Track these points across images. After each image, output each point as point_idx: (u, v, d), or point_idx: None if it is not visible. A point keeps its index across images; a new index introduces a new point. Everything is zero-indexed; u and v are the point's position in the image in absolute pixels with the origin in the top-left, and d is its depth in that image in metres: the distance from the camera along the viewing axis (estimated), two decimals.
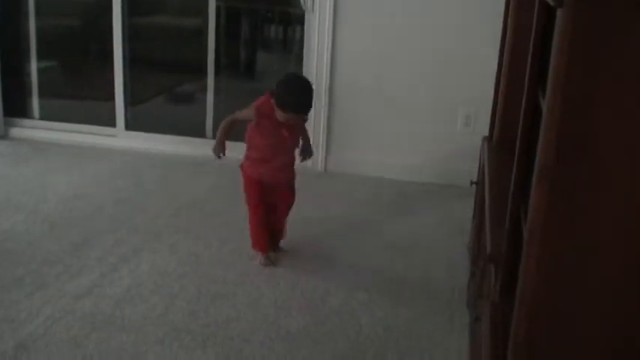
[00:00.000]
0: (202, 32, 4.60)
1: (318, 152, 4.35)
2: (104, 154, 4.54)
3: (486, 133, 3.15)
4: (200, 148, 4.16)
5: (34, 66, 5.08)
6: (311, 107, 2.97)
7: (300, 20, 4.39)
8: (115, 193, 3.85)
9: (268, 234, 3.11)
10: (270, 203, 3.09)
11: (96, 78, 5.18)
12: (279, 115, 2.89)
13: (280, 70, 5.06)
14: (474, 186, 3.16)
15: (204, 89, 4.67)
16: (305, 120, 3.11)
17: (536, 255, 1.26)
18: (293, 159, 3.14)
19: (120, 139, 4.71)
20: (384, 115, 4.23)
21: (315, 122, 4.31)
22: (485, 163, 2.54)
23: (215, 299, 2.77)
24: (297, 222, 3.35)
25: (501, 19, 2.90)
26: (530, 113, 1.66)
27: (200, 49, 4.65)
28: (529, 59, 1.69)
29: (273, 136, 2.97)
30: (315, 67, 4.24)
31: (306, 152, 3.19)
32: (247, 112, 2.98)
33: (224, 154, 3.08)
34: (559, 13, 1.19)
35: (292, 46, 4.82)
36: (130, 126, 4.73)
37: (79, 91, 5.29)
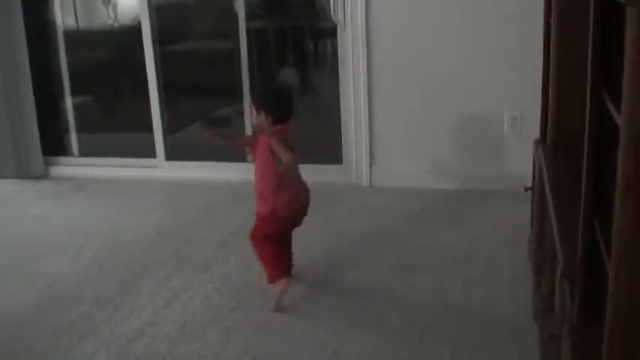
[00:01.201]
0: (234, 55, 4.54)
1: (362, 167, 4.25)
2: (145, 186, 4.49)
3: (535, 135, 3.02)
4: (241, 172, 4.07)
5: (69, 102, 5.09)
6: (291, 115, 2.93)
7: (333, 34, 4.30)
8: (159, 225, 3.79)
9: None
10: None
11: (131, 109, 5.17)
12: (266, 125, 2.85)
13: (315, 85, 5.01)
14: (528, 191, 3.04)
15: (241, 113, 4.60)
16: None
17: (627, 273, 1.16)
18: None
19: (160, 169, 4.67)
20: (428, 123, 4.11)
21: (357, 136, 4.22)
22: (543, 168, 2.41)
23: (272, 333, 2.68)
24: (342, 239, 3.26)
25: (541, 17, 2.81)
26: (596, 116, 1.54)
27: (233, 72, 4.59)
28: (590, 58, 1.57)
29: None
30: (352, 80, 4.15)
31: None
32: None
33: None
34: (630, 11, 1.08)
35: (326, 61, 4.73)
36: (169, 156, 4.68)
37: (116, 124, 5.27)
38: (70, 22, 5.14)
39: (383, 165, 4.25)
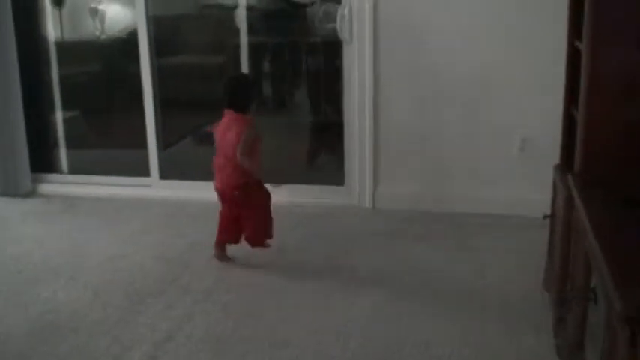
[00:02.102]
0: (233, 70, 4.39)
1: (365, 189, 4.12)
2: (139, 206, 4.32)
3: (547, 158, 2.94)
4: None
5: (59, 117, 4.90)
6: None
7: (337, 50, 4.18)
8: (156, 249, 3.62)
9: None
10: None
11: (125, 125, 4.98)
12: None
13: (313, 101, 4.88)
14: (546, 219, 2.92)
15: None
16: None
17: None
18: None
19: (155, 188, 4.50)
20: (434, 144, 4.00)
21: (360, 156, 4.08)
22: (575, 199, 2.28)
23: None
24: (342, 265, 3.13)
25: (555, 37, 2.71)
26: None
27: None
28: None
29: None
30: (357, 96, 4.02)
31: None
32: (250, 133, 3.20)
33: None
34: None
35: (330, 78, 4.59)
36: (164, 174, 4.51)
37: (108, 140, 5.09)
38: (56, 34, 4.97)
39: (387, 187, 4.12)
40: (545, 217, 2.92)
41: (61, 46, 4.89)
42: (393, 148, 4.05)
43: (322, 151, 4.78)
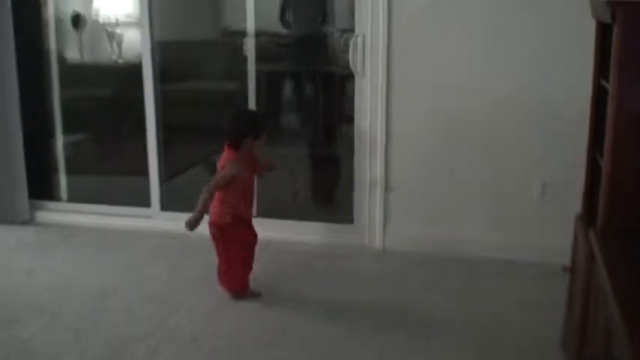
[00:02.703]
0: (240, 97, 4.19)
1: (375, 228, 3.88)
2: (137, 238, 4.12)
3: (568, 205, 2.75)
4: None
5: (59, 141, 4.72)
6: None
7: (347, 81, 3.98)
8: (147, 287, 3.41)
9: None
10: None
11: (127, 152, 4.79)
12: (256, 144, 3.18)
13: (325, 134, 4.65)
14: (559, 263, 2.67)
15: None
16: None
17: None
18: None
19: (155, 220, 4.31)
20: (449, 183, 3.75)
21: (371, 193, 3.86)
22: (597, 256, 2.03)
23: None
24: (347, 311, 2.91)
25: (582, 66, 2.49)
26: None
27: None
28: None
29: (250, 175, 3.24)
30: (368, 132, 3.80)
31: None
32: (230, 169, 3.10)
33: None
34: None
35: (340, 108, 4.38)
36: (165, 205, 4.31)
37: (109, 168, 4.90)
38: (73, 56, 4.82)
39: (398, 227, 3.88)
40: (564, 269, 2.66)
41: (72, 68, 4.74)
42: (406, 186, 3.81)
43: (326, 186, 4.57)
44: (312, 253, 3.84)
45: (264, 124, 3.26)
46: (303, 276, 3.54)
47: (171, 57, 4.48)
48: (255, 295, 3.24)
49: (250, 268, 3.26)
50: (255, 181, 3.39)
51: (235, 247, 3.20)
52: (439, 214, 3.80)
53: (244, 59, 4.08)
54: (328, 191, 4.54)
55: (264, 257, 3.67)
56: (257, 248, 3.30)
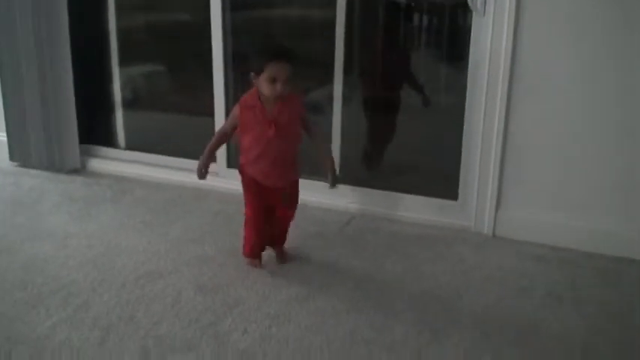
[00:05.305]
0: (327, 28, 3.42)
1: (485, 209, 3.13)
2: (199, 197, 3.52)
3: None
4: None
5: (116, 76, 4.09)
6: (288, 51, 2.58)
7: (461, 18, 3.17)
8: (201, 270, 2.78)
9: (262, 242, 2.82)
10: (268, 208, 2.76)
11: (194, 88, 4.09)
12: (266, 86, 2.53)
13: (433, 79, 3.78)
14: None
15: (330, 99, 3.50)
16: (286, 77, 2.51)
17: None
18: (291, 157, 2.71)
19: (221, 178, 3.67)
20: (579, 165, 2.95)
21: (482, 167, 3.09)
22: None
23: None
24: (441, 315, 2.24)
25: None
26: None
27: (323, 49, 3.47)
28: None
29: (261, 126, 2.59)
30: (485, 84, 3.02)
31: (330, 170, 2.75)
32: (230, 118, 2.71)
33: (205, 176, 2.76)
34: None
35: (451, 50, 3.55)
36: (234, 162, 3.64)
37: (176, 110, 4.21)
38: None
39: (513, 210, 3.12)
40: None
41: None
42: (526, 161, 3.04)
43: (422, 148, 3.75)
44: (402, 233, 3.15)
45: (264, 54, 2.58)
46: (389, 263, 2.87)
47: None
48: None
49: (257, 238, 2.79)
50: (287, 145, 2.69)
51: (246, 199, 2.77)
52: (564, 200, 3.01)
53: None
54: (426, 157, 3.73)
55: (345, 234, 3.06)
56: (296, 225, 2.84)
